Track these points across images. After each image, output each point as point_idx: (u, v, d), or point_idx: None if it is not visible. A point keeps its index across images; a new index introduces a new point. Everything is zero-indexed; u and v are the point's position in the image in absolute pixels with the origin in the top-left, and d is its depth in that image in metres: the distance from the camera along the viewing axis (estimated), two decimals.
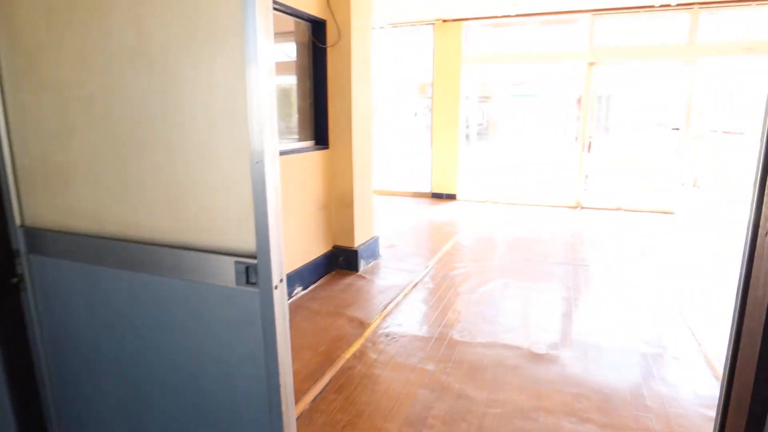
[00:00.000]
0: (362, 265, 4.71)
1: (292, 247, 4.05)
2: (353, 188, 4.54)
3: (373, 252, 4.97)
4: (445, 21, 7.94)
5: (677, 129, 7.20)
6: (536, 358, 3.10)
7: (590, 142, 7.57)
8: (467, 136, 8.91)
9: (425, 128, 9.68)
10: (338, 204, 4.62)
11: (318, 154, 4.35)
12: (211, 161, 1.37)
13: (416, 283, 4.39)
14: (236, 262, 1.34)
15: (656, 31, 7.11)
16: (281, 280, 1.33)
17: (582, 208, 7.79)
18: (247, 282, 1.33)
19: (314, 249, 4.38)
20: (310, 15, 4.06)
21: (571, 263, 4.94)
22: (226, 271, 1.36)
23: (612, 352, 3.15)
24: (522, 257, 5.15)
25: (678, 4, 6.59)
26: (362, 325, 3.58)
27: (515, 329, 3.49)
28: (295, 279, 4.03)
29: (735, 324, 1.28)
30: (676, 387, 2.76)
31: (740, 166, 12.79)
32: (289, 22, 4.11)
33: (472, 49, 8.27)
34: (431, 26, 8.07)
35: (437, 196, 8.63)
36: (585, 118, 7.52)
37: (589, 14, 7.22)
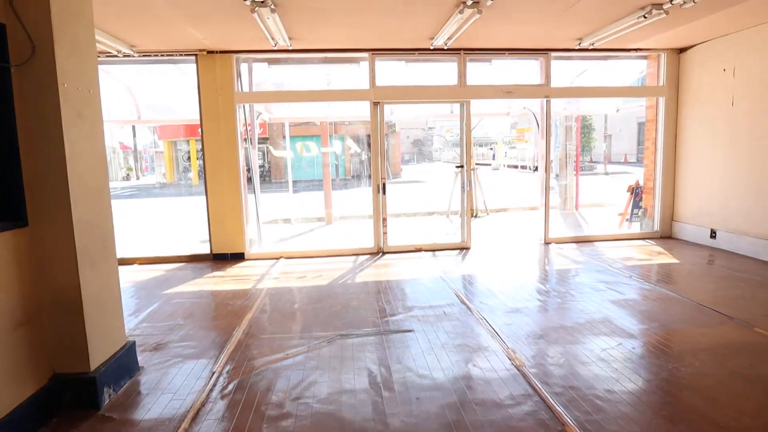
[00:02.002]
0: (107, 397, 3.08)
1: None
2: (80, 282, 2.93)
3: (125, 369, 3.37)
4: (210, 52, 6.71)
5: (461, 166, 7.31)
6: None
7: (384, 184, 7.16)
8: (250, 180, 7.64)
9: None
10: (55, 310, 2.93)
11: (5, 238, 2.65)
12: None
13: (198, 410, 2.98)
14: None
15: (434, 74, 7.26)
16: None
17: (384, 252, 7.30)
18: None
19: (6, 395, 2.62)
20: None
21: (389, 332, 4.15)
22: None
23: None
24: (334, 333, 4.16)
25: (449, 48, 6.70)
26: None
27: None
28: None
29: None
30: None
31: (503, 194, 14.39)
32: None
33: (249, 86, 7.22)
34: (194, 57, 6.75)
35: (220, 258, 7.16)
36: (376, 158, 7.10)
37: (368, 54, 6.89)
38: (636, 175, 22.61)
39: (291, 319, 4.57)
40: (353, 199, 16.60)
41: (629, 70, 8.53)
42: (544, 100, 7.38)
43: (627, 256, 6.70)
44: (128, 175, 37.55)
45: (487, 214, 11.68)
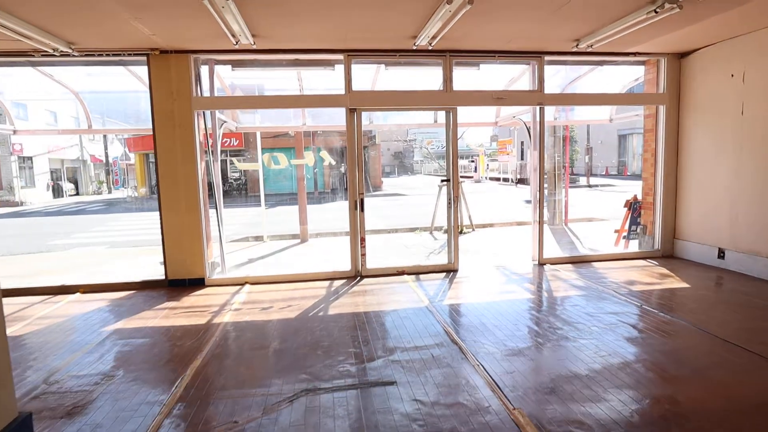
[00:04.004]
0: None
1: None
2: None
3: None
4: (163, 52, 5.93)
5: (447, 180, 6.62)
6: None
7: (362, 200, 6.42)
8: (212, 196, 6.75)
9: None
10: None
11: None
12: None
13: None
14: None
15: (417, 81, 6.63)
16: None
17: (362, 276, 6.54)
18: None
19: None
20: None
21: (366, 384, 3.39)
22: None
23: None
24: (297, 388, 3.38)
25: (434, 49, 6.05)
26: None
27: None
28: None
29: None
30: None
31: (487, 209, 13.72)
32: None
33: (211, 91, 6.44)
34: (145, 58, 5.96)
35: (177, 284, 6.32)
36: (353, 170, 6.37)
37: (343, 55, 6.19)
38: (620, 187, 22.28)
39: (247, 365, 3.77)
40: (330, 214, 15.82)
41: (622, 78, 8.01)
42: (537, 107, 6.77)
43: (631, 279, 6.06)
44: (99, 189, 36.20)
45: (473, 230, 11.01)
